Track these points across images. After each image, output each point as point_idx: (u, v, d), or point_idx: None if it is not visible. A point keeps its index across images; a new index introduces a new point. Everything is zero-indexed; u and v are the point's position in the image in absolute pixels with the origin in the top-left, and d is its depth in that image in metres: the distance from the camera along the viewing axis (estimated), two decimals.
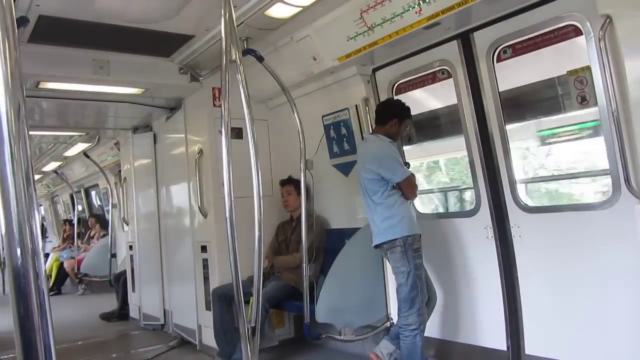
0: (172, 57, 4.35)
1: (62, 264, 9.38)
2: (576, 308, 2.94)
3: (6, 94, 0.88)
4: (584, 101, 2.82)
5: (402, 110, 3.56)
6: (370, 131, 3.78)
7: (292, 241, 4.46)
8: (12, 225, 0.86)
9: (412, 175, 3.44)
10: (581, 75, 2.85)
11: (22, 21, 3.04)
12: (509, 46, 3.18)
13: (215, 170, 4.46)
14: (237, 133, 4.08)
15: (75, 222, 9.89)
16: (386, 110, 3.59)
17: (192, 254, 4.85)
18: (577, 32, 2.81)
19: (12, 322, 0.87)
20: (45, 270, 0.95)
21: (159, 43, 4.00)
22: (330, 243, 4.33)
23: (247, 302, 2.45)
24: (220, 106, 2.42)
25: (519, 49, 3.14)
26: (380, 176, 3.39)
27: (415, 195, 3.51)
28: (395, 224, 3.35)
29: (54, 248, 10.64)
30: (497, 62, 3.23)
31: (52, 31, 3.54)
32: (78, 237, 9.53)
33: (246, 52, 3.51)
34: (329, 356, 4.29)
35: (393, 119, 3.52)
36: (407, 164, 3.59)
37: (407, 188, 3.41)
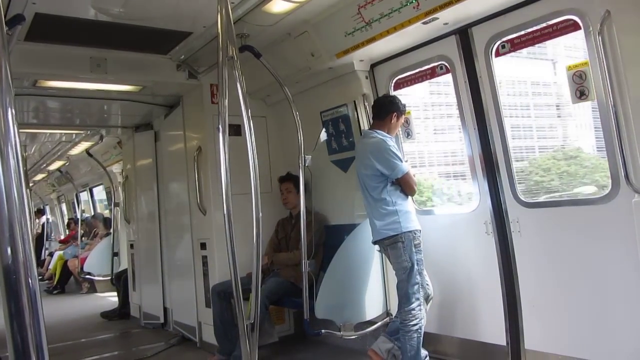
0: (169, 54, 4.34)
1: (65, 262, 9.40)
2: (576, 302, 2.94)
3: None
4: (583, 96, 2.81)
5: (400, 105, 3.56)
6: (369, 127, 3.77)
7: (292, 238, 4.45)
8: (2, 223, 0.86)
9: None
10: (580, 70, 2.84)
11: (18, 19, 3.02)
12: (507, 41, 3.16)
13: (214, 167, 4.45)
14: (235, 130, 4.07)
15: (79, 220, 9.91)
16: (384, 105, 3.59)
17: (191, 251, 4.85)
18: (576, 26, 2.80)
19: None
20: (36, 269, 0.95)
21: (157, 40, 3.99)
22: (329, 239, 4.32)
23: (246, 298, 2.45)
24: (218, 103, 2.41)
25: (517, 44, 3.13)
26: (380, 172, 3.38)
27: (415, 191, 3.50)
28: (396, 220, 3.34)
29: (60, 241, 10.69)
30: (496, 56, 3.23)
31: (48, 29, 3.54)
32: (83, 235, 9.54)
33: (244, 48, 3.49)
34: (328, 352, 4.29)
35: (391, 113, 3.52)
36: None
37: (406, 184, 3.41)
